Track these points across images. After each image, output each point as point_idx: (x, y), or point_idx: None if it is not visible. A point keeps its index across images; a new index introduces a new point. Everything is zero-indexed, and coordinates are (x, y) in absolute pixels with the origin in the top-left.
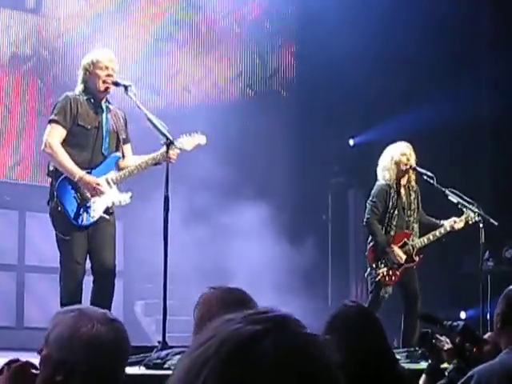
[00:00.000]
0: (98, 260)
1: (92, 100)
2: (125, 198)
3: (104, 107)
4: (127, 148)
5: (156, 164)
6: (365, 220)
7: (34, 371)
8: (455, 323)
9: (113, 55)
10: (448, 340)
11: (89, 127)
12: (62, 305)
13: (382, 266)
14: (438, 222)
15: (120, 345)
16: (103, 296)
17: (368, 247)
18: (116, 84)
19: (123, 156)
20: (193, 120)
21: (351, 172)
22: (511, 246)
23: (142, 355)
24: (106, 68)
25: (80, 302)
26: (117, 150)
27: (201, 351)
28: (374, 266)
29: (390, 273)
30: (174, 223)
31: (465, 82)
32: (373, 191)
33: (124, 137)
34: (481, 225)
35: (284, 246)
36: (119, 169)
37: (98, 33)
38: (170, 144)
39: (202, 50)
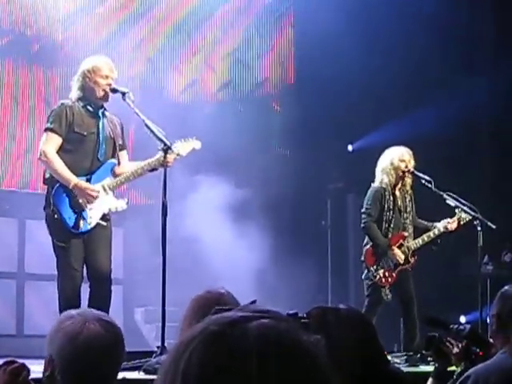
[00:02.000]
0: (94, 266)
1: (89, 107)
2: (121, 204)
3: (100, 114)
4: (123, 154)
5: (152, 170)
6: (362, 224)
7: (28, 374)
8: (462, 327)
9: (112, 64)
10: (456, 343)
11: (85, 134)
12: (61, 311)
13: (379, 268)
14: (429, 224)
15: (115, 346)
16: (99, 301)
17: (365, 250)
18: (114, 91)
19: (119, 162)
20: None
21: (350, 177)
22: (510, 249)
23: (141, 360)
24: (107, 77)
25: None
26: (113, 156)
27: (189, 333)
28: (371, 268)
29: (387, 274)
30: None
31: (464, 87)
32: (367, 194)
33: (120, 143)
34: (479, 228)
35: (284, 252)
36: (115, 175)
37: None
38: (167, 149)
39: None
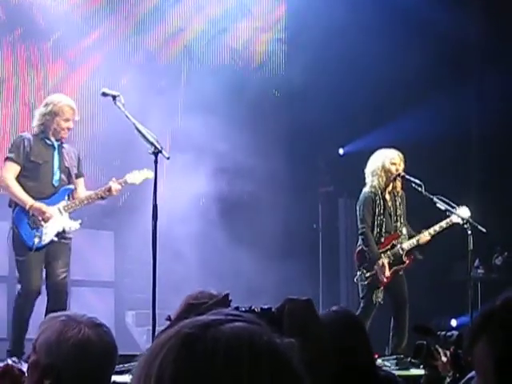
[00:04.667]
0: (50, 279)
1: (46, 140)
2: (74, 224)
3: (57, 146)
4: (79, 182)
5: (101, 198)
6: (360, 231)
7: (19, 372)
8: (449, 333)
9: (75, 106)
10: (444, 352)
11: (40, 162)
12: (14, 317)
13: (371, 269)
14: (412, 234)
15: (107, 349)
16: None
17: (357, 250)
18: (104, 94)
19: (75, 189)
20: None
21: (341, 181)
22: (501, 253)
23: (131, 364)
24: (68, 120)
25: (28, 319)
26: (70, 183)
27: (163, 336)
28: (364, 269)
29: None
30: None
31: (454, 91)
32: (359, 200)
33: (76, 172)
34: (469, 232)
35: (275, 255)
36: (73, 199)
37: None
38: (158, 153)
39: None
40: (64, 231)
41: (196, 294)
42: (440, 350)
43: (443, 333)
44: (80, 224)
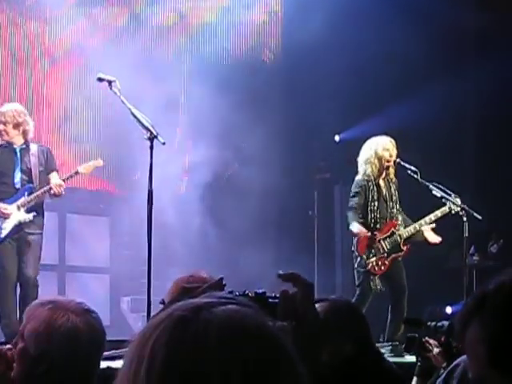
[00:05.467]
0: (20, 270)
1: (6, 146)
2: (28, 216)
3: (18, 150)
4: (52, 176)
5: (54, 195)
6: (348, 209)
7: (9, 351)
8: (440, 324)
9: (26, 112)
10: (436, 343)
11: (3, 168)
12: None
13: (371, 255)
14: (412, 223)
15: (96, 336)
16: (23, 303)
17: (356, 239)
18: (100, 79)
19: (43, 184)
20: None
21: (337, 168)
22: (496, 240)
23: (126, 349)
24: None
25: (10, 306)
26: (31, 182)
27: (155, 319)
28: (364, 256)
29: (379, 262)
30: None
31: (451, 79)
32: (352, 187)
33: (41, 169)
34: (465, 219)
35: (271, 242)
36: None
37: None
38: (153, 138)
39: None
40: (20, 224)
41: (187, 278)
42: (432, 341)
43: (433, 323)
44: (34, 216)
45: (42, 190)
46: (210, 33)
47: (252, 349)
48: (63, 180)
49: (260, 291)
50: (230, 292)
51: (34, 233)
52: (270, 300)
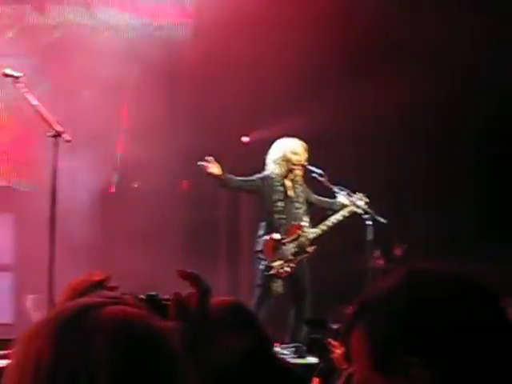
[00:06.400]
0: None
1: None
2: None
3: None
4: None
5: None
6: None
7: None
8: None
9: None
10: (339, 344)
11: None
12: None
13: (277, 259)
14: (331, 201)
15: None
16: None
17: (262, 240)
18: (5, 75)
19: None
20: None
21: (245, 168)
22: (401, 243)
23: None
24: None
25: None
26: None
27: (41, 320)
28: (270, 258)
29: (285, 266)
30: None
31: (359, 81)
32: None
33: None
34: (369, 222)
35: (174, 244)
36: None
37: None
38: (57, 136)
39: None
40: None
41: (79, 280)
42: (335, 342)
43: (336, 326)
44: None
45: None
46: None
47: (137, 347)
48: None
49: (152, 293)
50: (123, 294)
51: None
52: (163, 301)
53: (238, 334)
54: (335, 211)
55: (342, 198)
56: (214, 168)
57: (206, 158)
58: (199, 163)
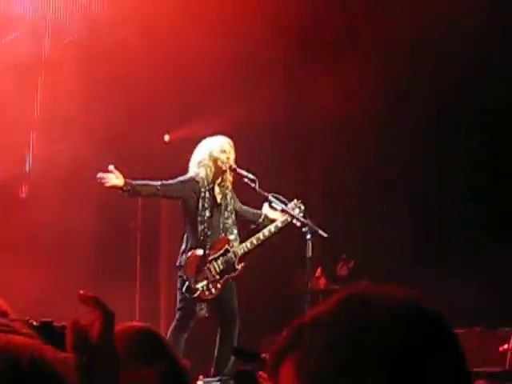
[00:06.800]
0: None
1: None
2: None
3: None
4: None
5: None
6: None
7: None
8: None
9: None
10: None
11: None
12: None
13: (201, 279)
14: (258, 212)
15: None
16: None
17: (185, 257)
18: None
19: None
20: None
21: (166, 171)
22: (346, 261)
23: None
24: None
25: None
26: None
27: None
28: (192, 279)
29: (210, 286)
30: None
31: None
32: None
33: None
34: (308, 236)
35: (91, 253)
36: None
37: None
38: None
39: None
40: None
41: None
42: (265, 376)
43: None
44: None
45: None
46: None
47: (25, 382)
48: None
49: (47, 320)
50: (12, 320)
51: None
52: (58, 329)
53: (149, 364)
54: (258, 225)
55: (277, 206)
56: (115, 179)
57: (109, 166)
58: (98, 175)
